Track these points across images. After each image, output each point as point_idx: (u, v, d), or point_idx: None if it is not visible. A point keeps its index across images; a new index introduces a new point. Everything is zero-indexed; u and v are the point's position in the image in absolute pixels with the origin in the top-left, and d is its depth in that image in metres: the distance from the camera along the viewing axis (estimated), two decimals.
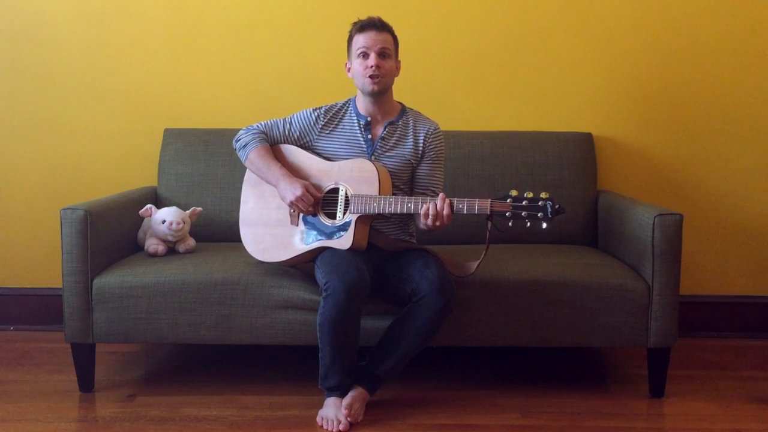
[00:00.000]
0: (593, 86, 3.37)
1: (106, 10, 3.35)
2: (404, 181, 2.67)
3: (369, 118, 2.66)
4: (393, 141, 2.66)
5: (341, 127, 2.69)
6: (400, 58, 2.68)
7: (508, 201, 2.39)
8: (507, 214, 2.39)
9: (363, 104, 2.67)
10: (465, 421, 2.52)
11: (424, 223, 2.47)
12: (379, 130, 2.67)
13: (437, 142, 2.68)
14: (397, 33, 2.68)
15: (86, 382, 2.74)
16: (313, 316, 2.51)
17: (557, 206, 2.37)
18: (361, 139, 2.66)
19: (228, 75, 3.38)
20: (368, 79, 2.58)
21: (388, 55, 2.59)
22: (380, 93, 2.62)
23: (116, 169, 3.39)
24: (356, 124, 2.67)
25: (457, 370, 2.96)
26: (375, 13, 2.66)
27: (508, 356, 3.06)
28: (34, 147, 3.40)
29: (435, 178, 2.68)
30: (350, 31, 2.64)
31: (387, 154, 2.64)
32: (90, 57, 3.37)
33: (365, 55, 2.58)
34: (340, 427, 2.43)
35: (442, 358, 3.01)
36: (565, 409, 2.62)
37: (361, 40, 2.59)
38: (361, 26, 2.60)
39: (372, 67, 2.56)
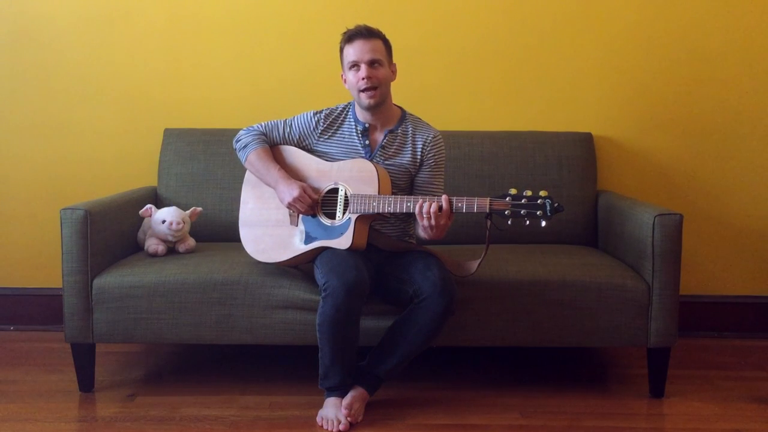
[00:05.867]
0: (593, 86, 3.37)
1: (106, 11, 3.35)
2: (402, 188, 2.66)
3: (367, 125, 2.66)
4: (393, 150, 2.65)
5: (340, 132, 2.68)
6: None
7: (507, 199, 2.39)
8: (506, 213, 2.39)
9: (361, 111, 2.67)
10: (465, 421, 2.52)
11: (422, 226, 2.46)
12: (379, 137, 2.66)
13: (436, 150, 2.67)
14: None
15: (86, 382, 2.74)
16: (313, 316, 2.51)
17: (556, 204, 2.37)
18: (359, 144, 2.65)
19: (228, 75, 3.38)
20: (363, 94, 2.56)
21: (379, 64, 2.56)
22: (377, 105, 2.60)
23: (116, 169, 3.39)
24: (354, 130, 2.67)
25: (457, 370, 2.96)
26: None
27: (508, 356, 3.06)
28: (34, 147, 3.40)
29: (434, 186, 2.67)
30: (340, 43, 2.62)
31: (386, 162, 2.64)
32: (90, 57, 3.37)
33: (357, 67, 2.57)
34: (340, 427, 2.43)
35: (442, 358, 3.01)
36: (565, 409, 2.62)
37: (351, 52, 2.57)
38: (349, 37, 2.57)
39: (364, 79, 2.54)
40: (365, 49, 2.55)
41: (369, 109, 2.61)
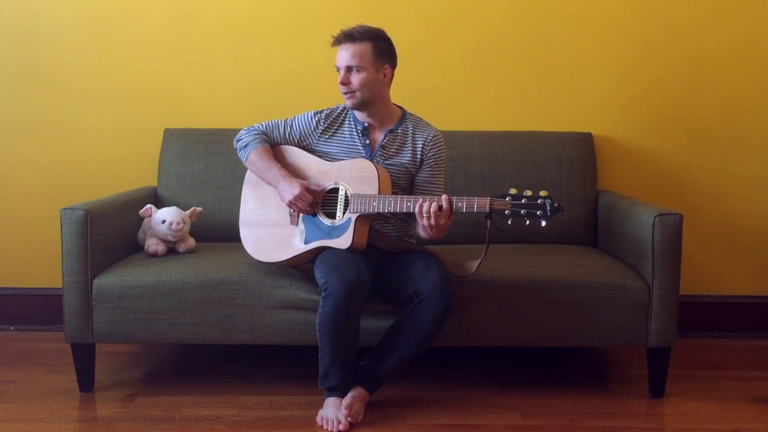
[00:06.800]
0: (593, 86, 3.37)
1: (106, 11, 3.35)
2: (402, 187, 2.66)
3: (366, 124, 2.66)
4: (393, 149, 2.65)
5: (341, 132, 2.68)
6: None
7: (507, 199, 2.39)
8: (506, 212, 2.39)
9: (359, 111, 2.67)
10: (465, 421, 2.52)
11: (422, 225, 2.47)
12: (379, 137, 2.66)
13: (436, 149, 2.67)
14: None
15: (86, 382, 2.74)
16: (313, 316, 2.51)
17: (556, 204, 2.37)
18: (360, 144, 2.65)
19: (228, 75, 3.38)
20: (343, 95, 2.60)
21: (358, 70, 2.56)
22: (359, 107, 2.61)
23: (116, 169, 3.39)
24: (354, 130, 2.67)
25: (457, 370, 2.96)
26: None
27: (508, 356, 3.06)
28: (34, 147, 3.40)
29: (434, 185, 2.67)
30: None
31: (386, 162, 2.64)
32: (90, 57, 3.37)
33: (338, 71, 2.59)
34: (340, 427, 2.43)
35: (442, 358, 3.01)
36: (565, 409, 2.62)
37: (337, 56, 2.59)
38: (334, 41, 2.59)
39: (340, 84, 2.57)
40: (344, 54, 2.57)
41: (354, 109, 2.62)
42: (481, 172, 3.19)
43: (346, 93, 2.58)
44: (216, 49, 3.37)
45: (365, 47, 2.57)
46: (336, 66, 2.60)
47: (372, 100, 2.61)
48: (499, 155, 3.21)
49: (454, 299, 2.48)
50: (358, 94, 2.58)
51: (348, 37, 2.56)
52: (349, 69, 2.56)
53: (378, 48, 2.59)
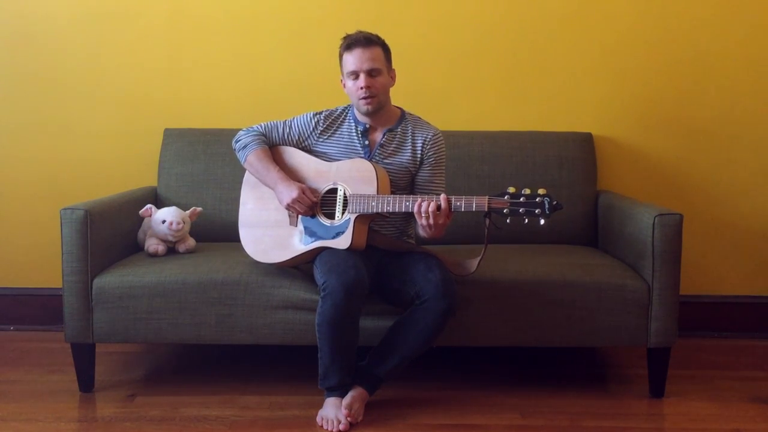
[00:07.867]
0: (593, 86, 3.37)
1: (106, 10, 3.35)
2: (402, 187, 2.66)
3: (367, 125, 2.66)
4: (391, 148, 2.65)
5: (339, 132, 2.68)
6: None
7: (505, 198, 2.39)
8: (505, 211, 2.39)
9: (361, 114, 2.67)
10: (465, 421, 2.52)
11: (421, 225, 2.47)
12: (378, 137, 2.66)
13: (436, 148, 2.67)
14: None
15: (86, 382, 2.74)
16: (313, 316, 2.51)
17: (555, 202, 2.36)
18: (359, 145, 2.65)
19: (228, 75, 3.38)
20: (362, 101, 2.58)
21: (378, 73, 2.56)
22: (375, 111, 2.61)
23: (116, 169, 3.39)
24: (354, 130, 2.67)
25: (457, 370, 2.96)
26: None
27: (508, 356, 3.06)
28: (34, 147, 3.40)
29: (435, 184, 2.67)
30: (339, 49, 2.62)
31: (385, 161, 2.64)
32: (90, 57, 3.37)
33: (355, 76, 2.57)
34: (340, 427, 2.43)
35: (442, 358, 3.01)
36: (565, 409, 2.62)
37: (350, 60, 2.57)
38: (347, 45, 2.58)
39: (363, 88, 2.55)
40: (364, 58, 2.55)
41: (370, 114, 2.62)
42: (481, 172, 3.19)
43: (367, 97, 2.56)
44: (216, 49, 3.38)
45: (379, 51, 2.58)
46: (352, 70, 2.56)
47: (385, 102, 2.63)
48: (499, 155, 3.21)
49: (456, 301, 2.48)
50: (378, 98, 2.58)
51: (368, 40, 2.56)
52: (370, 73, 2.55)
53: (387, 51, 2.61)
